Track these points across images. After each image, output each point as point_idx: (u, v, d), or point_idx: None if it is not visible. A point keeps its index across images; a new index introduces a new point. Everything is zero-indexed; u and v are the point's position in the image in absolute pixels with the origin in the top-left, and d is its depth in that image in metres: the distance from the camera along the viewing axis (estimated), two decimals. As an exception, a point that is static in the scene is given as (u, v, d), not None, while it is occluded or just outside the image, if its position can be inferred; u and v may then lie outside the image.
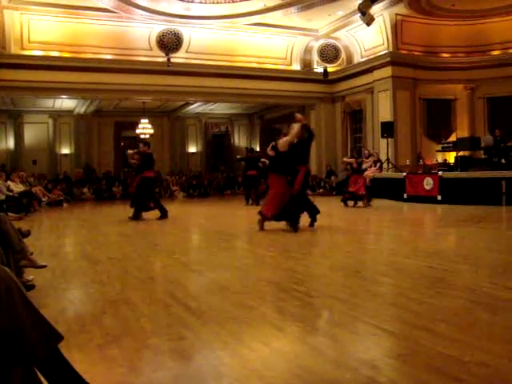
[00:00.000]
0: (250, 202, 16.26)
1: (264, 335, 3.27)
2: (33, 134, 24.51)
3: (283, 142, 8.76)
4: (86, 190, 22.52)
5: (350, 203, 14.47)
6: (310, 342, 3.12)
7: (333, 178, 21.90)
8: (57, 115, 24.62)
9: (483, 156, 16.62)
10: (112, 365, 2.81)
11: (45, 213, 15.23)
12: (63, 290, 4.77)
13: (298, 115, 9.36)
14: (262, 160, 15.97)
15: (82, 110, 23.91)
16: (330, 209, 14.73)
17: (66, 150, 25.00)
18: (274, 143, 9.00)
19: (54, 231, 10.44)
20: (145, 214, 11.67)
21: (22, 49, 18.05)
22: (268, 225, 8.99)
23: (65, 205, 18.43)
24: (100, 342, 3.18)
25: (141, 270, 5.60)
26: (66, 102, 22.75)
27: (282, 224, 8.86)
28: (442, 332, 3.19)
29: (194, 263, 6.26)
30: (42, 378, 2.16)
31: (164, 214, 11.64)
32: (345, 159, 16.39)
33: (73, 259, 6.86)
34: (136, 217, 11.49)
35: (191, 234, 9.57)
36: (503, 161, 14.86)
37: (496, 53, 19.51)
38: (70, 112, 24.46)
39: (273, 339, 3.20)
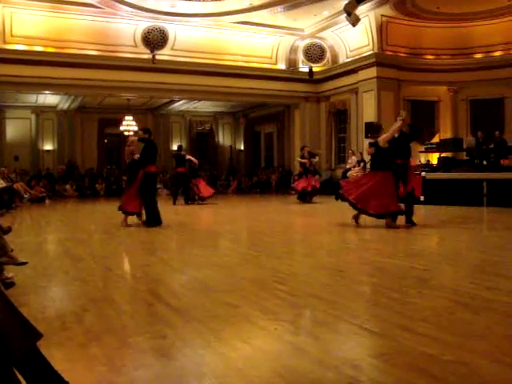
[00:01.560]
0: (190, 201, 16.32)
1: (246, 334, 3.27)
2: (15, 129, 24.28)
3: (383, 138, 8.76)
4: (68, 186, 22.34)
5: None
6: (292, 341, 3.12)
7: (317, 177, 21.92)
8: (40, 111, 24.42)
9: (465, 157, 16.78)
10: (93, 363, 2.78)
11: (26, 209, 15.09)
12: (44, 288, 4.72)
13: (404, 113, 9.30)
14: (188, 157, 16.29)
15: (65, 105, 23.74)
16: (313, 208, 14.79)
17: (48, 146, 24.80)
18: (372, 140, 8.93)
19: (35, 228, 10.34)
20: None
21: (5, 43, 17.86)
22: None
23: (47, 201, 18.28)
24: (81, 340, 3.15)
25: (123, 268, 5.57)
26: (49, 98, 22.55)
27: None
28: (423, 331, 3.21)
29: (177, 261, 6.24)
30: (21, 378, 2.13)
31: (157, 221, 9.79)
32: (298, 159, 16.55)
33: (54, 256, 6.80)
34: (151, 221, 9.67)
35: (175, 233, 9.53)
36: (485, 162, 15.03)
37: (479, 56, 19.73)
38: (53, 108, 24.27)
39: (255, 338, 3.19)
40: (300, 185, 16.39)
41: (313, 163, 16.71)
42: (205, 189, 16.68)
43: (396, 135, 8.83)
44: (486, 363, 2.68)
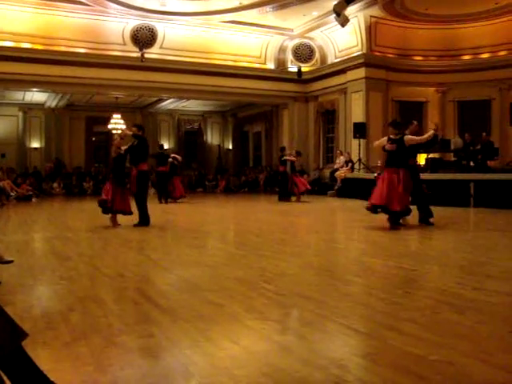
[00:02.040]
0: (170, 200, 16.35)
1: (233, 333, 3.27)
2: (2, 126, 24.10)
3: (411, 139, 8.88)
4: (55, 184, 22.20)
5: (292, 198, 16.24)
6: (279, 340, 3.13)
7: (305, 176, 21.98)
8: (27, 108, 24.25)
9: (453, 158, 16.89)
10: (79, 363, 2.77)
11: (13, 208, 14.98)
12: (30, 287, 4.69)
13: (435, 124, 9.68)
14: (173, 155, 16.35)
15: (53, 103, 23.59)
16: (301, 208, 14.81)
17: (35, 144, 24.63)
18: (392, 137, 8.91)
19: (21, 226, 10.27)
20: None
21: (-8, 39, 17.71)
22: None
23: (34, 200, 18.15)
24: (67, 340, 3.13)
25: (110, 267, 5.54)
26: (36, 95, 22.40)
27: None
28: (410, 331, 3.22)
29: (165, 261, 6.22)
30: (6, 377, 2.11)
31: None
32: (287, 157, 16.75)
33: (41, 255, 6.76)
34: (143, 221, 9.46)
35: (162, 231, 9.50)
36: (472, 163, 15.14)
37: (467, 58, 19.87)
38: (40, 105, 24.11)
39: (242, 337, 3.19)
40: (302, 187, 16.63)
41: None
42: (178, 189, 16.65)
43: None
44: (471, 363, 2.70)
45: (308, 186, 16.93)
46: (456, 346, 2.96)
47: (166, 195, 16.18)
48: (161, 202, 15.84)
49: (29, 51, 17.97)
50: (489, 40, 19.21)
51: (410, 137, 8.93)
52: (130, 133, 9.77)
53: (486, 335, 3.19)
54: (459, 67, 19.80)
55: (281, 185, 17.04)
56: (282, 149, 17.78)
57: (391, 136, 8.96)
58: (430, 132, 9.12)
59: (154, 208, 13.87)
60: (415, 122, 9.55)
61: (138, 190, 9.48)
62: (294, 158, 16.78)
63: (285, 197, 16.49)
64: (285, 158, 16.68)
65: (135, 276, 5.13)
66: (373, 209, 8.73)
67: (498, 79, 19.09)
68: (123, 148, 9.46)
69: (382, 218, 8.93)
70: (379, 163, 18.75)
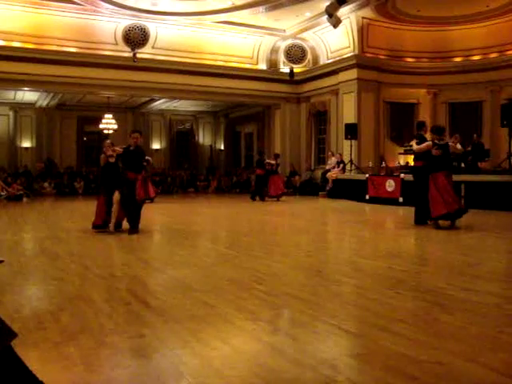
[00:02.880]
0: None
1: (224, 334, 3.27)
2: (-8, 125, 23.94)
3: (456, 147, 10.19)
4: (46, 184, 22.08)
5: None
6: (270, 340, 3.13)
7: (296, 177, 22.03)
8: (18, 107, 24.11)
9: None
10: (68, 363, 2.76)
11: (3, 207, 14.90)
12: (20, 287, 4.67)
13: (455, 146, 10.92)
14: (147, 158, 16.38)
15: (44, 102, 23.47)
16: (293, 208, 14.84)
17: (26, 144, 24.49)
18: (439, 142, 9.22)
19: (12, 226, 10.22)
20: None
21: (-17, 38, 17.60)
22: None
23: (24, 199, 18.06)
24: (57, 340, 3.12)
25: (101, 267, 5.52)
26: (27, 95, 22.27)
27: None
28: (400, 332, 3.24)
29: (156, 260, 6.21)
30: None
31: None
32: (268, 160, 17.78)
33: (31, 255, 6.72)
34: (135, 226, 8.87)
35: (153, 232, 9.48)
36: (463, 165, 15.21)
37: (458, 59, 19.96)
38: (31, 105, 23.97)
39: (233, 338, 3.20)
40: (279, 188, 17.52)
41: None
42: (150, 189, 16.58)
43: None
44: (460, 363, 2.72)
45: (284, 190, 17.93)
46: (446, 346, 2.98)
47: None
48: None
49: (20, 50, 17.85)
50: (480, 42, 19.31)
51: (452, 145, 9.72)
52: (121, 151, 8.96)
53: (476, 335, 3.21)
54: (450, 69, 19.89)
55: (256, 186, 18.08)
56: (261, 152, 19.01)
57: (436, 141, 9.17)
58: (460, 146, 10.50)
59: (146, 209, 13.81)
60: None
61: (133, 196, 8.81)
62: (273, 162, 17.75)
63: (255, 196, 17.46)
64: (267, 161, 17.69)
65: (126, 276, 5.11)
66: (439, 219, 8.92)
67: (489, 81, 19.20)
68: (118, 149, 8.93)
69: (372, 219, 8.95)
70: (370, 164, 18.85)
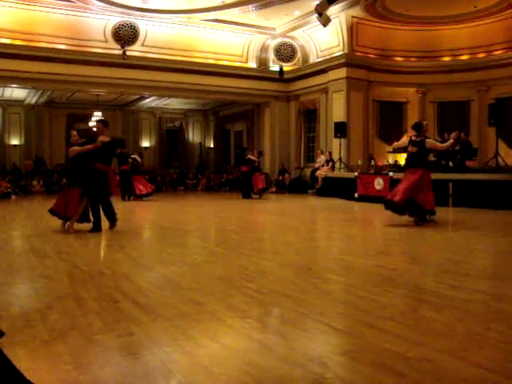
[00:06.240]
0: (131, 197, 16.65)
1: (213, 332, 3.27)
2: (-20, 123, 23.76)
3: (434, 144, 9.61)
4: (35, 182, 21.95)
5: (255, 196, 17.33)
6: (259, 338, 3.14)
7: (286, 175, 22.05)
8: (6, 105, 23.95)
9: (433, 159, 17.04)
10: (57, 361, 2.75)
11: (-9, 205, 14.79)
12: (8, 285, 4.64)
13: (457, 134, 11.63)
14: (133, 156, 16.65)
15: (33, 100, 23.32)
16: (282, 206, 14.86)
17: (15, 141, 24.33)
18: (416, 139, 9.21)
19: (0, 224, 10.15)
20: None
21: (-29, 35, 17.43)
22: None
23: (13, 197, 17.96)
24: (45, 338, 3.11)
25: (90, 265, 5.50)
26: (16, 92, 22.12)
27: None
28: (388, 329, 3.26)
29: (145, 258, 6.20)
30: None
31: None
32: (251, 157, 17.94)
33: (20, 253, 6.68)
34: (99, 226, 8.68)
35: (143, 230, 9.46)
36: (451, 164, 15.30)
37: (446, 59, 20.09)
38: (20, 102, 23.82)
39: (222, 336, 3.20)
40: (260, 184, 17.74)
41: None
42: (145, 186, 16.79)
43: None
44: (448, 360, 2.74)
45: (263, 185, 18.00)
46: (434, 343, 3.00)
47: (129, 193, 16.55)
48: (124, 200, 16.13)
49: (8, 47, 17.69)
50: (468, 42, 19.45)
51: (432, 141, 9.57)
52: (107, 139, 8.77)
53: (463, 332, 3.24)
54: (439, 68, 20.02)
55: (244, 184, 18.10)
56: (244, 149, 19.33)
57: (413, 137, 9.21)
58: (450, 141, 10.11)
59: (133, 206, 13.79)
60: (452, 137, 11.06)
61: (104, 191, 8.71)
62: (255, 158, 17.91)
63: (248, 195, 17.53)
64: (248, 157, 17.85)
65: (115, 274, 5.10)
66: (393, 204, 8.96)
67: (477, 81, 19.35)
68: (101, 139, 8.60)
69: (361, 217, 8.98)
70: (359, 162, 18.91)
